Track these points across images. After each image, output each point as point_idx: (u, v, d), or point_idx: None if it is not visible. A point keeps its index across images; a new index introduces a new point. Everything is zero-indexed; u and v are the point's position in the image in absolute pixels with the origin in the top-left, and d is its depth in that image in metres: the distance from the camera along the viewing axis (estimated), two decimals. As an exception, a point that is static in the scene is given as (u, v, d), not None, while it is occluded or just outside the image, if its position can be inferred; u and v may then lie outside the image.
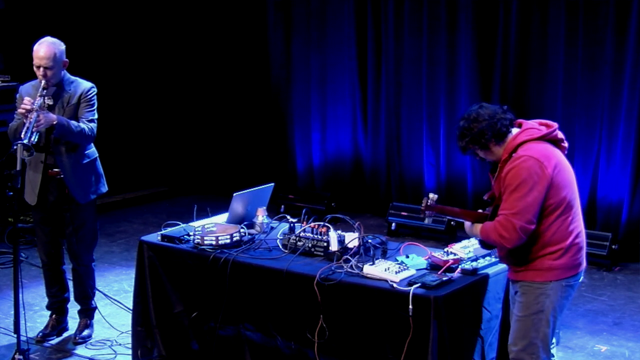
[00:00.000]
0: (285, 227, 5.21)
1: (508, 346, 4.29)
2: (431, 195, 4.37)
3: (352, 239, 4.77)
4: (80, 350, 5.71)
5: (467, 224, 4.35)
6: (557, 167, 4.13)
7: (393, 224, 8.32)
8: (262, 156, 9.80)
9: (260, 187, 5.55)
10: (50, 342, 5.82)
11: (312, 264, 4.73)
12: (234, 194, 5.29)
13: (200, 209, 5.61)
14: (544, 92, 7.80)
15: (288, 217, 5.30)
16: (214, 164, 10.19)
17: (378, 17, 8.67)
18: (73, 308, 5.96)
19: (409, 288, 4.29)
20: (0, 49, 8.90)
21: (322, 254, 4.82)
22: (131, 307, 5.47)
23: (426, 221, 4.48)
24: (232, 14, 9.73)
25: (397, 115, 8.69)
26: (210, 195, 9.24)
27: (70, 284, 5.89)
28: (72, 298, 5.92)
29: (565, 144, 4.32)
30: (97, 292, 6.00)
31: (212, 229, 5.19)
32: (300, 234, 4.92)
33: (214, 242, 5.02)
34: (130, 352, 5.44)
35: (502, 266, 4.56)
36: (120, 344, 5.71)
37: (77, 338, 5.79)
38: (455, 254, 4.68)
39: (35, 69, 5.40)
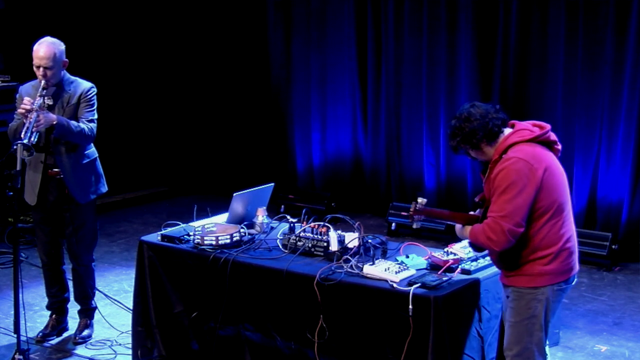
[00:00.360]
0: (285, 227, 5.21)
1: (504, 350, 4.28)
2: (419, 199, 4.31)
3: (352, 239, 4.77)
4: (80, 350, 5.71)
5: (458, 226, 4.30)
6: (548, 169, 4.07)
7: (393, 224, 8.33)
8: (262, 156, 9.80)
9: (260, 187, 5.55)
10: (50, 342, 5.82)
11: (312, 264, 4.73)
12: (234, 194, 5.29)
13: (200, 209, 5.61)
14: (544, 92, 7.80)
15: (288, 217, 5.30)
16: (214, 164, 10.19)
17: (378, 17, 8.67)
18: (73, 308, 5.96)
19: (409, 288, 4.29)
20: (0, 49, 8.90)
21: (322, 254, 4.82)
22: (131, 307, 5.47)
23: (414, 226, 4.42)
24: (232, 14, 9.73)
25: (397, 115, 8.69)
26: (210, 195, 9.24)
27: (70, 284, 5.89)
28: (72, 298, 5.92)
29: (559, 147, 4.26)
30: (97, 292, 6.00)
31: (212, 229, 5.19)
32: (300, 234, 4.92)
33: (214, 242, 5.02)
34: (130, 352, 5.45)
35: (502, 266, 4.56)
36: (120, 344, 5.71)
37: (77, 338, 5.80)
38: (455, 254, 4.68)
39: (35, 69, 5.40)
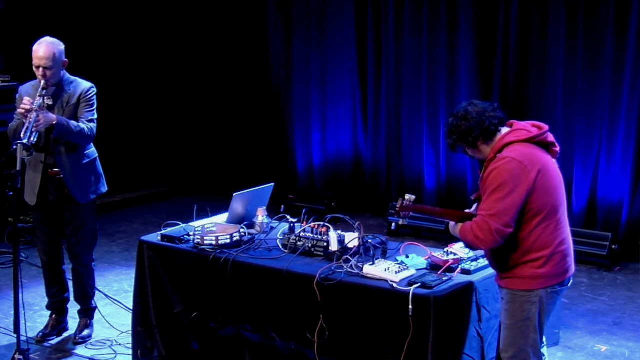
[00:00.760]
0: (285, 227, 5.21)
1: (500, 351, 4.27)
2: (407, 196, 4.28)
3: (352, 239, 4.77)
4: (80, 350, 5.71)
5: (451, 224, 4.27)
6: (542, 171, 4.04)
7: (393, 224, 8.32)
8: (262, 156, 9.80)
9: (260, 187, 5.55)
10: (50, 342, 5.82)
11: (312, 264, 4.73)
12: (234, 194, 5.29)
13: (200, 209, 5.61)
14: (544, 92, 7.80)
15: (288, 217, 5.30)
16: (214, 164, 10.19)
17: (378, 17, 8.67)
18: (73, 308, 5.96)
19: (409, 288, 4.29)
20: (0, 49, 8.90)
21: (322, 254, 4.82)
22: (131, 307, 5.47)
23: (401, 222, 4.39)
24: (232, 13, 9.73)
25: (397, 115, 8.69)
26: (210, 195, 9.24)
27: (70, 284, 5.89)
28: (72, 298, 5.92)
29: (557, 148, 4.22)
30: (97, 292, 6.00)
31: (212, 229, 5.19)
32: (300, 234, 4.92)
33: (214, 242, 5.02)
34: (130, 352, 5.44)
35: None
36: (120, 344, 5.71)
37: (77, 338, 5.79)
38: (455, 254, 4.68)
39: (34, 69, 5.40)
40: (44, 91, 5.35)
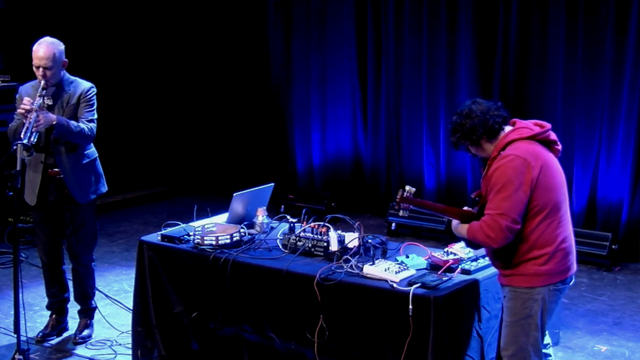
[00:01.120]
0: (285, 227, 5.21)
1: (500, 350, 4.28)
2: (407, 187, 4.28)
3: (352, 239, 4.77)
4: (80, 350, 5.71)
5: (455, 222, 4.28)
6: (544, 168, 4.07)
7: (393, 224, 8.32)
8: (262, 156, 9.80)
9: (260, 187, 5.55)
10: (50, 342, 5.82)
11: (312, 264, 4.73)
12: (234, 194, 5.29)
13: (200, 209, 5.61)
14: (544, 92, 7.80)
15: (288, 217, 5.30)
16: (214, 164, 10.19)
17: (378, 17, 8.67)
18: (73, 308, 5.96)
19: (409, 288, 4.29)
20: (0, 49, 8.90)
21: (322, 254, 4.82)
22: (131, 307, 5.47)
23: (401, 213, 4.37)
24: (232, 13, 9.73)
25: (397, 115, 8.69)
26: (210, 195, 9.24)
27: (70, 284, 5.89)
28: (72, 298, 5.92)
29: (559, 147, 4.25)
30: (97, 292, 6.00)
31: (212, 229, 5.19)
32: (300, 234, 4.92)
33: (214, 242, 5.02)
34: (130, 352, 5.44)
35: (502, 266, 4.57)
36: (120, 344, 5.71)
37: (77, 338, 5.79)
38: (455, 254, 4.68)
39: (34, 69, 5.40)
40: (44, 91, 5.35)
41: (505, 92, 7.93)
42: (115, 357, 5.57)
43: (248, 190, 5.41)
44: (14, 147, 5.07)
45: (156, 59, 10.21)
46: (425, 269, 4.62)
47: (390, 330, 4.38)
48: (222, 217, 5.46)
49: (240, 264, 4.87)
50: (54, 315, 5.91)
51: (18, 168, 5.05)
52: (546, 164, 4.09)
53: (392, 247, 4.96)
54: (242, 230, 5.14)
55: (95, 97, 5.57)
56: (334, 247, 4.77)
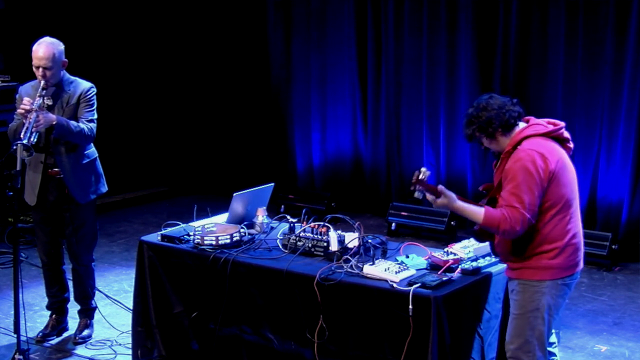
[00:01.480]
0: (285, 227, 5.21)
1: (505, 344, 4.30)
2: (423, 169, 4.29)
3: (352, 239, 4.77)
4: (80, 350, 5.71)
5: (459, 202, 4.23)
6: (559, 163, 4.15)
7: (393, 224, 8.32)
8: (262, 156, 9.80)
9: (260, 187, 5.55)
10: (50, 342, 5.82)
11: (312, 264, 4.73)
12: (234, 194, 5.28)
13: (200, 209, 5.61)
14: (544, 92, 7.80)
15: (288, 217, 5.30)
16: (214, 164, 10.19)
17: (378, 17, 8.67)
18: (73, 308, 5.96)
19: (409, 288, 4.29)
20: (0, 49, 8.90)
21: (322, 254, 4.82)
22: (131, 307, 5.47)
23: (415, 195, 4.33)
24: (232, 13, 9.73)
25: (397, 115, 8.69)
26: (210, 195, 9.24)
27: (70, 284, 5.89)
28: (72, 298, 5.92)
29: (571, 145, 4.33)
30: (97, 292, 6.00)
31: (212, 229, 5.19)
32: (300, 234, 4.92)
33: (214, 242, 5.02)
34: (130, 352, 5.44)
35: (502, 266, 4.56)
36: (120, 344, 5.71)
37: (77, 338, 5.79)
38: (455, 254, 4.68)
39: (34, 69, 5.39)
40: (44, 91, 5.35)
41: (506, 92, 7.85)
42: (115, 357, 5.57)
43: (248, 190, 5.41)
44: (14, 147, 5.07)
45: (156, 59, 10.21)
46: (425, 269, 4.62)
47: (390, 330, 4.38)
48: (222, 217, 5.46)
49: (240, 264, 4.87)
50: (54, 315, 5.91)
51: (18, 168, 5.05)
52: (561, 160, 4.18)
53: (392, 247, 4.96)
54: (242, 230, 5.14)
55: (95, 97, 5.56)
56: (334, 247, 4.77)
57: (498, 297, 4.61)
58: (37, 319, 6.11)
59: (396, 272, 4.44)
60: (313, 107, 9.27)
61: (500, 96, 4.31)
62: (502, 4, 7.87)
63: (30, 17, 8.91)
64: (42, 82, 5.35)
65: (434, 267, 4.60)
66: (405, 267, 4.54)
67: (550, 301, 4.19)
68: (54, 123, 5.28)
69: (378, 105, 8.88)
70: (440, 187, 4.25)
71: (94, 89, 5.58)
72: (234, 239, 5.04)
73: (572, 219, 4.20)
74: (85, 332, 5.82)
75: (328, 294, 4.52)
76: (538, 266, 4.16)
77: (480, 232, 4.34)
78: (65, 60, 5.49)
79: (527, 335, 4.21)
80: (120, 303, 6.25)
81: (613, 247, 7.24)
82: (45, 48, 5.36)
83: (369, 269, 4.50)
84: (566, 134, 4.31)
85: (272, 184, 5.64)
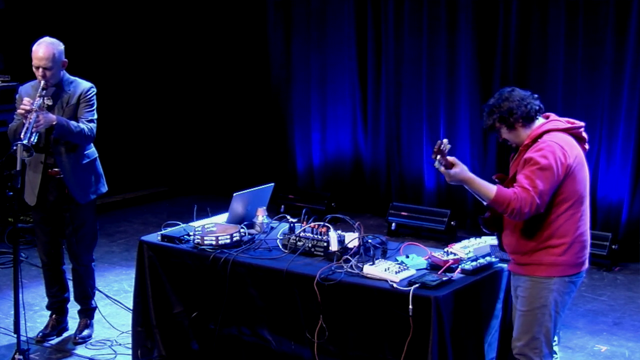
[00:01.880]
0: (285, 227, 5.21)
1: (512, 341, 4.31)
2: (445, 140, 4.29)
3: (352, 239, 4.77)
4: (80, 350, 5.71)
5: (467, 173, 4.28)
6: (577, 159, 4.18)
7: (393, 224, 8.32)
8: (262, 156, 9.80)
9: (260, 187, 5.55)
10: (50, 342, 5.82)
11: (312, 264, 4.73)
12: (234, 194, 5.28)
13: (200, 209, 5.61)
14: (544, 92, 7.77)
15: (288, 217, 5.30)
16: (214, 164, 10.19)
17: (378, 17, 8.68)
18: (73, 308, 5.96)
19: (409, 288, 4.29)
20: (0, 49, 8.90)
21: (322, 254, 4.82)
22: (131, 307, 5.47)
23: (436, 164, 4.34)
24: (232, 13, 9.74)
25: (397, 115, 8.69)
26: (210, 195, 9.24)
27: (70, 284, 5.89)
28: (72, 298, 5.92)
29: (587, 146, 4.36)
30: (97, 292, 6.00)
31: (212, 229, 5.19)
32: (300, 234, 4.92)
33: (214, 242, 5.02)
34: (130, 352, 5.44)
35: (502, 266, 4.56)
36: (120, 344, 5.71)
37: (77, 338, 5.79)
38: (455, 254, 4.68)
39: (34, 69, 5.39)
40: (44, 91, 5.35)
41: (505, 92, 7.93)
42: (115, 357, 5.57)
43: (248, 190, 5.41)
44: (14, 148, 5.07)
45: (156, 59, 10.22)
46: (425, 269, 4.62)
47: (390, 330, 4.38)
48: (222, 217, 5.46)
49: (240, 264, 4.87)
50: (54, 315, 5.91)
51: (18, 168, 5.05)
52: (579, 157, 4.22)
53: (392, 247, 4.96)
54: (242, 230, 5.14)
55: (95, 97, 5.56)
56: (334, 247, 4.77)
57: (498, 297, 4.60)
58: (37, 319, 6.11)
59: (396, 272, 4.44)
60: (313, 107, 9.27)
61: (522, 90, 4.34)
62: (502, 4, 7.87)
63: (30, 17, 8.92)
64: (42, 82, 5.35)
65: (434, 267, 4.60)
66: (405, 267, 4.54)
67: (558, 298, 4.21)
68: (54, 123, 5.28)
69: (378, 105, 8.88)
70: (453, 157, 4.28)
71: (94, 89, 5.58)
72: (234, 239, 5.04)
73: (583, 217, 4.24)
74: (85, 332, 5.82)
75: (328, 294, 4.52)
76: (546, 262, 4.18)
77: (490, 220, 4.36)
78: (65, 60, 5.49)
79: (534, 332, 4.22)
80: (120, 303, 6.25)
81: (613, 247, 7.24)
82: (45, 48, 5.36)
83: (369, 269, 4.50)
84: (584, 134, 4.34)
85: (272, 184, 5.64)
